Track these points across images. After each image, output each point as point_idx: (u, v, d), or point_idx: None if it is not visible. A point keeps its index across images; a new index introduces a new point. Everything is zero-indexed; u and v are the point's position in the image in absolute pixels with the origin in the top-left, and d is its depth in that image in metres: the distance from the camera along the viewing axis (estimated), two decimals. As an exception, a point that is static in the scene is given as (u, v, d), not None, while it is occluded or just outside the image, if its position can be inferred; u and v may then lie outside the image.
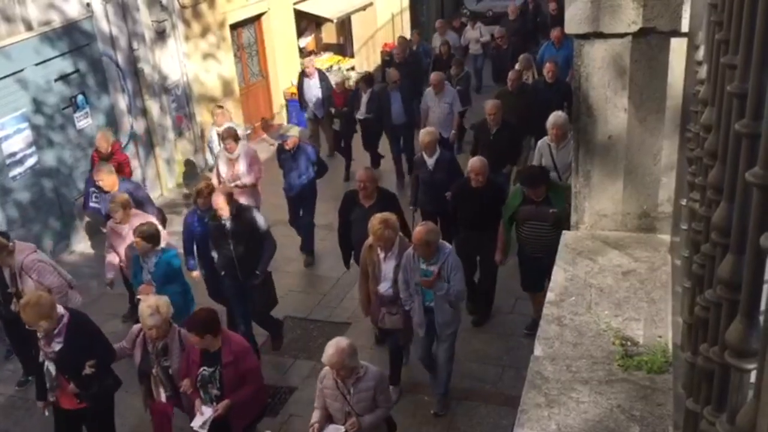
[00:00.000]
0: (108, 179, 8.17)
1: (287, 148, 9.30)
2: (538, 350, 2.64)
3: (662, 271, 2.96)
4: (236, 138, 9.19)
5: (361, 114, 11.95)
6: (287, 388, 7.30)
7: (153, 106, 11.63)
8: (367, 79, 12.58)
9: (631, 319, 2.73)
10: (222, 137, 9.52)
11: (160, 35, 11.60)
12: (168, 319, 5.63)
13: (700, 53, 2.12)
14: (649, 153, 3.09)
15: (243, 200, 8.45)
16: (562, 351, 2.61)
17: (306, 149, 9.48)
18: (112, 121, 11.01)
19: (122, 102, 11.18)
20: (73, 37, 10.14)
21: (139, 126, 11.49)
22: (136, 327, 5.90)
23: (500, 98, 9.95)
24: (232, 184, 8.91)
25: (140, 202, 8.16)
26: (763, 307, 1.11)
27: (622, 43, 2.95)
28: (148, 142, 11.69)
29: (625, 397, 2.37)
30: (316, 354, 7.74)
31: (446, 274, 6.06)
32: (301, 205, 9.64)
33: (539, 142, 8.35)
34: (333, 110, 12.27)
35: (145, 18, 11.24)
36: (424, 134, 8.62)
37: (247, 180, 9.18)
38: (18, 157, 9.45)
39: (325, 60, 16.05)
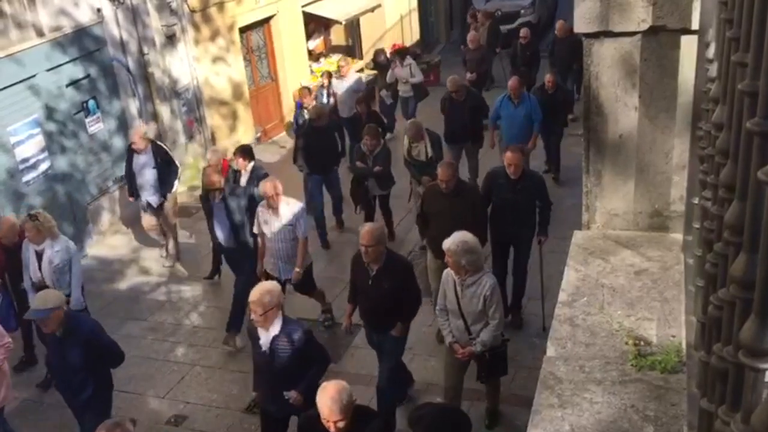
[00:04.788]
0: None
1: (46, 331, 5.55)
2: (550, 351, 2.64)
3: (675, 270, 2.95)
4: None
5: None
6: (300, 390, 7.30)
7: (163, 110, 11.68)
8: (245, 150, 8.94)
9: (644, 318, 2.71)
10: None
11: (170, 39, 11.66)
12: None
13: (711, 51, 2.11)
14: (660, 151, 3.08)
15: None
16: (574, 351, 2.60)
17: (78, 327, 5.53)
18: (124, 126, 11.07)
19: (133, 106, 11.24)
20: (83, 42, 10.20)
21: (150, 130, 11.54)
22: None
23: (430, 201, 7.26)
24: None
25: None
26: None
27: (632, 42, 2.94)
28: (159, 146, 11.75)
29: (639, 397, 2.36)
30: (328, 356, 7.77)
31: None
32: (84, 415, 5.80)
33: (444, 273, 5.78)
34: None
35: (155, 22, 11.30)
36: (253, 294, 5.13)
37: None
38: (31, 162, 9.52)
39: (333, 62, 16.08)
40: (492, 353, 5.81)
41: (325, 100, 11.96)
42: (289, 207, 7.24)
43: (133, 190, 9.40)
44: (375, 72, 14.88)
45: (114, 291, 9.32)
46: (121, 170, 10.91)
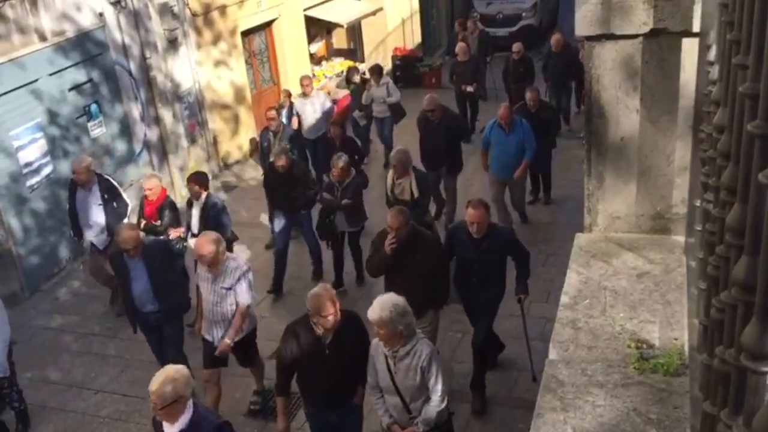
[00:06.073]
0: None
1: None
2: (552, 354, 2.63)
3: (677, 272, 2.95)
4: None
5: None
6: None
7: (166, 114, 11.70)
8: (200, 178, 7.98)
9: (646, 321, 2.71)
10: None
11: (172, 43, 11.68)
12: None
13: (712, 53, 2.11)
14: (662, 154, 3.08)
15: None
16: (577, 354, 2.60)
17: None
18: (126, 130, 11.09)
19: (135, 110, 11.26)
20: (86, 46, 10.23)
21: (153, 134, 11.57)
22: None
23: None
24: None
25: None
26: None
27: (633, 45, 2.94)
28: (162, 149, 11.76)
29: (642, 400, 2.36)
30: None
31: None
32: None
33: (373, 344, 4.94)
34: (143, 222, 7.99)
35: (157, 26, 11.32)
36: (153, 383, 4.07)
37: None
38: (34, 166, 9.53)
39: (336, 65, 16.12)
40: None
41: (285, 120, 10.98)
42: (229, 266, 6.07)
43: (77, 229, 8.35)
44: (347, 91, 13.86)
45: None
46: (123, 174, 10.94)
